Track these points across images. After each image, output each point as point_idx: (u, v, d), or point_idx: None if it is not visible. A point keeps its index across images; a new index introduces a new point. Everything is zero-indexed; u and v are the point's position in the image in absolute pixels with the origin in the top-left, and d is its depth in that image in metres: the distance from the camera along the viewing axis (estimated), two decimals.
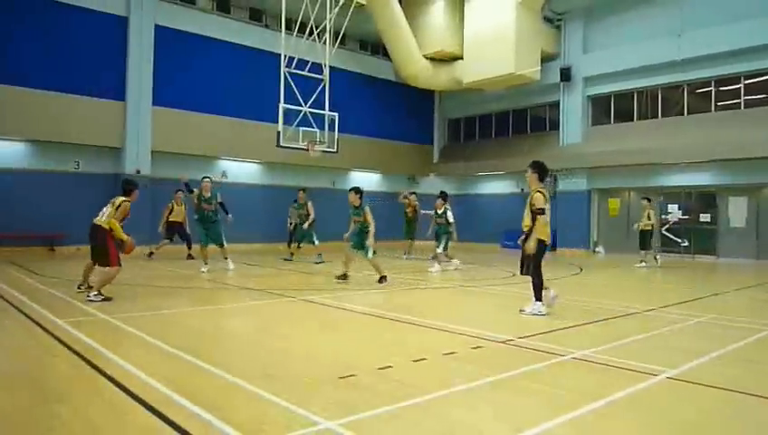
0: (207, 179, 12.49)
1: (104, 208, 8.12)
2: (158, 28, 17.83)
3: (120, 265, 7.96)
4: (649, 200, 16.04)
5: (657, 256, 16.17)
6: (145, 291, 9.24)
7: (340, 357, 5.09)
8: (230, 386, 4.07)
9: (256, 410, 3.60)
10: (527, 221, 7.31)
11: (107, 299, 7.68)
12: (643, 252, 15.79)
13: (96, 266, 8.20)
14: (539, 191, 7.25)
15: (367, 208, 10.33)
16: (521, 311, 7.33)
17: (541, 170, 7.40)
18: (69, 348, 5.11)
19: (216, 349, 5.40)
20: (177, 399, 3.71)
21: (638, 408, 3.79)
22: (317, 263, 14.44)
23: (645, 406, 3.83)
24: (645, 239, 15.76)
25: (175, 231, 15.35)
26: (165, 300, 8.36)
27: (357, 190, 10.51)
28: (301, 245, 15.69)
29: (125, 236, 7.91)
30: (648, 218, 15.56)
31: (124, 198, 8.10)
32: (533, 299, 7.24)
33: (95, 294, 7.71)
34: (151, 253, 15.24)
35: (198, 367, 4.55)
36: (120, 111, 17.18)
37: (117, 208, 7.99)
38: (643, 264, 15.62)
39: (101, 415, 3.53)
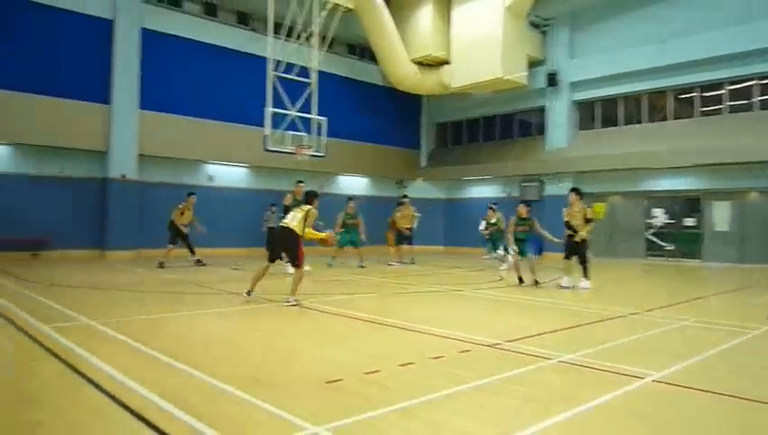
0: (352, 202, 15.87)
1: (290, 214, 8.66)
2: (145, 31, 17.71)
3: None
4: (405, 203, 17.20)
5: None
6: (134, 296, 9.17)
7: (328, 362, 5.07)
8: (216, 391, 4.04)
9: (242, 415, 3.57)
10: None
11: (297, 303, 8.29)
12: None
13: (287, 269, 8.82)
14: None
15: (535, 219, 11.81)
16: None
17: None
18: (52, 353, 5.05)
19: (203, 353, 5.35)
20: (161, 403, 3.68)
21: (624, 411, 3.81)
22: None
23: (631, 409, 3.85)
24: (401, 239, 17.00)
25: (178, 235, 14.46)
26: (153, 305, 8.29)
27: (527, 204, 12.16)
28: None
29: (323, 234, 8.67)
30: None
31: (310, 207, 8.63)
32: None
33: (295, 299, 8.34)
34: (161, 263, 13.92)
35: (184, 371, 4.51)
36: (105, 114, 17.02)
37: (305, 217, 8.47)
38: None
39: (85, 420, 3.48)
